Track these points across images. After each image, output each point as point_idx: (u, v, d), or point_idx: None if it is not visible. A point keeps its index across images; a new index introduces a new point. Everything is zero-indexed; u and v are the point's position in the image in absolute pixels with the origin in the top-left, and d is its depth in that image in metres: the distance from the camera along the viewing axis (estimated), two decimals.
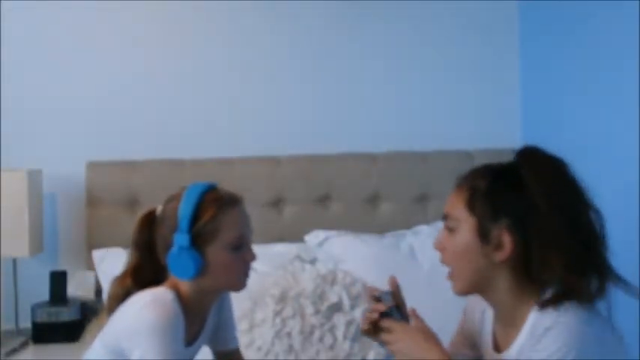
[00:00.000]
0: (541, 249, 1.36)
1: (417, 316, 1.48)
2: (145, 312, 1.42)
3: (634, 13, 2.16)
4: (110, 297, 1.56)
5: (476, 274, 1.43)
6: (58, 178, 2.76)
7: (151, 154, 2.77)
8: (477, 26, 2.95)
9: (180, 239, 1.47)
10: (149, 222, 1.56)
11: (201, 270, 1.49)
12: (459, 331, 1.67)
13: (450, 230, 1.46)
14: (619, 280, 1.39)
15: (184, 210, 1.49)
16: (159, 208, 1.57)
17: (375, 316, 1.49)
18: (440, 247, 1.50)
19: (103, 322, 1.55)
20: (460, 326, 1.67)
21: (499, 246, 1.40)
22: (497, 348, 1.49)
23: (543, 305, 1.35)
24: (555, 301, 1.34)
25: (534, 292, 1.39)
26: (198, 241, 1.48)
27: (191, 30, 2.85)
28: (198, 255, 1.48)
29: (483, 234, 1.40)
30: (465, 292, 1.48)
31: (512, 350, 1.41)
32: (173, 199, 1.54)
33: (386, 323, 1.47)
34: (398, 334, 1.45)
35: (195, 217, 1.49)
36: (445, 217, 1.48)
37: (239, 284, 1.56)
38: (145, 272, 1.55)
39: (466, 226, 1.43)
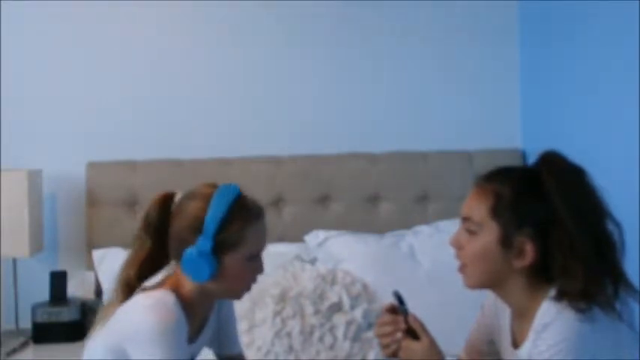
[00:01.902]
0: (563, 258, 1.37)
1: (425, 332, 1.51)
2: (147, 316, 1.41)
3: (634, 13, 2.16)
4: (121, 282, 1.53)
5: (491, 274, 1.46)
6: (58, 178, 2.76)
7: (151, 154, 2.77)
8: (476, 27, 2.95)
9: (203, 244, 1.46)
10: (166, 207, 1.53)
11: (214, 276, 1.48)
12: (476, 327, 1.68)
13: (471, 233, 1.47)
14: (631, 288, 1.41)
15: (213, 216, 1.46)
16: (178, 195, 1.55)
17: (400, 336, 1.51)
18: (457, 245, 1.50)
19: (108, 312, 1.53)
20: (477, 322, 1.68)
21: (520, 253, 1.41)
22: (515, 344, 1.49)
23: (559, 300, 1.36)
24: (571, 300, 1.35)
25: (546, 287, 1.40)
26: (219, 248, 1.47)
27: (191, 31, 2.85)
28: (215, 261, 1.47)
29: (506, 241, 1.42)
30: (476, 287, 1.50)
31: (526, 346, 1.42)
32: (196, 196, 1.51)
33: (404, 343, 1.50)
34: (413, 353, 1.49)
35: (224, 224, 1.47)
36: (465, 219, 1.48)
37: (240, 294, 1.57)
38: (152, 259, 1.54)
39: (488, 231, 1.44)
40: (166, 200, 1.55)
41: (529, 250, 1.40)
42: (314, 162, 2.82)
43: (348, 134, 2.90)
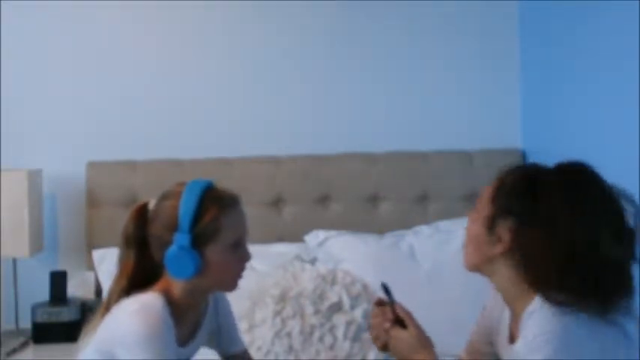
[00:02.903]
0: (529, 258, 1.40)
1: (412, 320, 1.52)
2: (134, 321, 1.42)
3: (634, 13, 2.16)
4: (109, 297, 1.55)
5: (480, 257, 1.49)
6: (58, 178, 2.76)
7: (151, 154, 2.77)
8: (476, 26, 2.95)
9: (181, 239, 1.46)
10: (142, 217, 1.54)
11: (199, 270, 1.48)
12: (477, 328, 1.69)
13: (477, 212, 1.51)
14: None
15: (185, 209, 1.47)
16: (151, 202, 1.55)
17: (388, 325, 1.53)
18: (470, 218, 1.55)
19: (96, 323, 1.54)
20: (478, 323, 1.69)
21: (499, 240, 1.45)
22: (512, 340, 1.50)
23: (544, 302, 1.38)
24: (557, 304, 1.36)
25: (536, 286, 1.41)
26: (198, 241, 1.47)
27: (190, 31, 2.85)
28: (197, 255, 1.47)
29: (490, 225, 1.46)
30: (470, 268, 1.53)
31: (519, 342, 1.42)
32: (169, 196, 1.52)
33: (393, 332, 1.52)
34: (402, 342, 1.51)
35: (197, 217, 1.48)
36: (477, 200, 1.54)
37: (233, 284, 1.56)
38: (140, 270, 1.54)
39: (483, 214, 1.48)
40: (141, 211, 1.55)
41: (505, 240, 1.44)
42: (314, 162, 2.82)
43: (348, 134, 2.90)
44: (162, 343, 1.41)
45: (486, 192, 1.50)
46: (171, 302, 1.49)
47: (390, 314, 1.54)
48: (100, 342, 1.48)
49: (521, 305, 1.43)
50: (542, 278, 1.39)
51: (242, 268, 1.56)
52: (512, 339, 1.50)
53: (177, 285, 1.51)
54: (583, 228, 1.38)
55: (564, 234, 1.38)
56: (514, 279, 1.45)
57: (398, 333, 1.51)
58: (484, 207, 1.48)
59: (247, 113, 2.87)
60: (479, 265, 1.50)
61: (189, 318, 1.57)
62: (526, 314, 1.39)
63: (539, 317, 1.36)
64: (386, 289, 1.57)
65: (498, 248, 1.44)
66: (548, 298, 1.37)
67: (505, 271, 1.46)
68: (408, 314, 1.53)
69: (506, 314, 1.55)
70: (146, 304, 1.45)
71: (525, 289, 1.43)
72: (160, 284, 1.52)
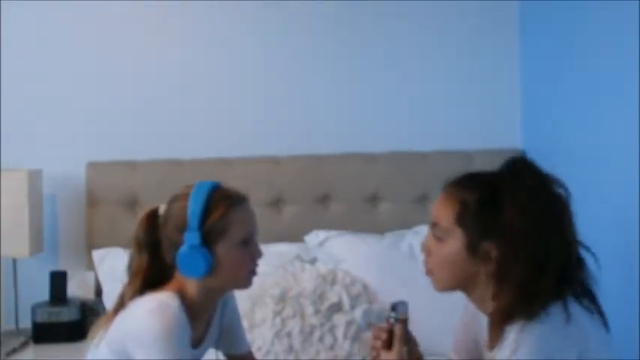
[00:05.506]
0: (515, 268, 1.39)
1: (399, 341, 1.51)
2: (150, 320, 1.42)
3: (634, 14, 2.16)
4: (121, 299, 1.55)
5: (459, 280, 1.47)
6: (58, 178, 2.76)
7: (151, 154, 2.77)
8: (477, 26, 2.95)
9: (191, 238, 1.48)
10: (153, 221, 1.57)
11: (211, 268, 1.50)
12: (461, 325, 1.68)
13: (438, 239, 1.48)
14: (592, 305, 1.43)
15: (194, 208, 1.50)
16: (161, 208, 1.58)
17: (379, 344, 1.52)
18: (426, 251, 1.52)
19: (106, 322, 1.54)
20: (462, 321, 1.68)
21: (486, 260, 1.42)
22: (491, 345, 1.49)
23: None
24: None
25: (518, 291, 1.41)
26: (208, 239, 1.50)
27: (192, 31, 2.85)
28: (208, 253, 1.49)
29: (472, 248, 1.43)
30: (445, 291, 1.51)
31: (495, 351, 1.42)
32: (178, 198, 1.55)
33: (382, 354, 1.52)
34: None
35: (205, 215, 1.50)
36: (433, 225, 1.50)
37: (246, 282, 1.58)
38: (152, 272, 1.55)
39: (454, 238, 1.45)
40: (151, 216, 1.58)
41: (494, 257, 1.41)
42: (314, 162, 2.82)
43: (348, 134, 2.90)
44: (178, 342, 1.42)
45: (441, 219, 1.47)
46: (185, 302, 1.50)
47: (385, 335, 1.52)
48: (113, 340, 1.49)
49: (500, 316, 1.42)
50: (524, 283, 1.38)
51: (254, 265, 1.58)
52: (490, 344, 1.50)
53: (192, 285, 1.53)
54: (546, 224, 1.39)
55: (533, 235, 1.38)
56: (491, 291, 1.43)
57: (385, 355, 1.50)
58: (448, 232, 1.45)
59: (247, 113, 2.87)
60: (456, 286, 1.49)
61: (202, 319, 1.58)
62: (506, 331, 1.38)
63: (514, 334, 1.35)
64: (393, 307, 1.55)
65: (488, 267, 1.42)
66: (528, 301, 1.36)
67: (484, 285, 1.44)
68: (400, 334, 1.51)
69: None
70: (163, 302, 1.46)
71: (506, 298, 1.41)
72: (173, 285, 1.54)
